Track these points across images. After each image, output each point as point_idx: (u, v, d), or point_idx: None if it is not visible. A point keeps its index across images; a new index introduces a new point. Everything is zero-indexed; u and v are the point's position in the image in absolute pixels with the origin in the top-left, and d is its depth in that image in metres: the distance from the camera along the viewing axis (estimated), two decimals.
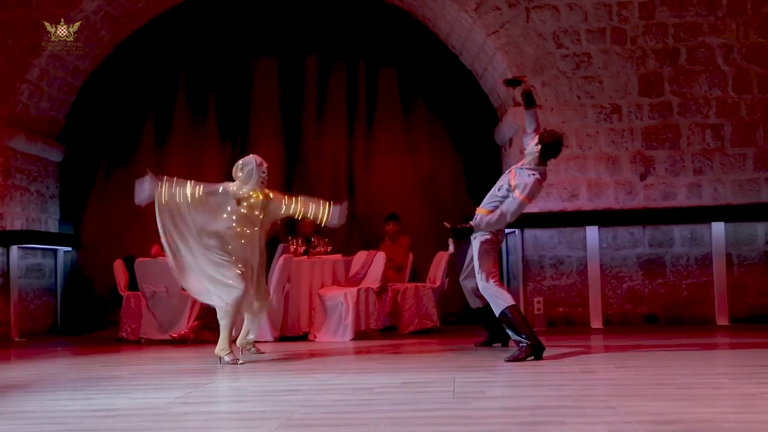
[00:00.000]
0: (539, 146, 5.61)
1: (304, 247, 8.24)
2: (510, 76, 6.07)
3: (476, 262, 5.66)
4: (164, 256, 7.96)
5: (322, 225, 6.10)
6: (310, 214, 5.96)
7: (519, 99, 6.01)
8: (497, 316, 5.54)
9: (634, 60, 8.37)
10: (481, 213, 5.71)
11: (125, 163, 9.83)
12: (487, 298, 5.61)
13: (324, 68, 10.07)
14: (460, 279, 6.25)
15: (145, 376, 5.19)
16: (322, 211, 5.93)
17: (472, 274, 5.88)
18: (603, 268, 8.22)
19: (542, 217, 8.23)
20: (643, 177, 8.31)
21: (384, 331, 7.86)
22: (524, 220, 8.14)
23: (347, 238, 9.80)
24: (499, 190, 5.73)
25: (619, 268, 8.25)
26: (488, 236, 5.66)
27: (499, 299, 5.51)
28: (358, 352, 6.45)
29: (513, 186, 5.59)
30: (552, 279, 8.28)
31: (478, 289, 5.79)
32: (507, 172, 5.81)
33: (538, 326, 8.03)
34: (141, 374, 5.33)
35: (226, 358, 5.60)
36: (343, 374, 4.95)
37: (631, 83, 8.37)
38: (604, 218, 8.21)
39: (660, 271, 8.22)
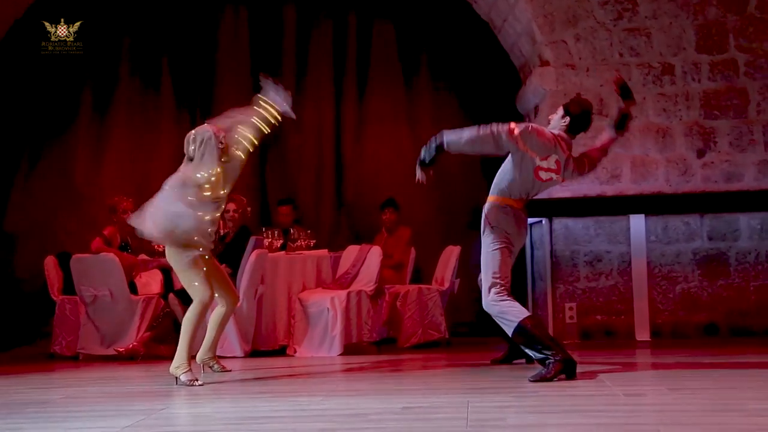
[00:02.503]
0: (567, 118, 5.69)
1: (281, 241, 8.24)
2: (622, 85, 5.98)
3: (482, 266, 5.63)
4: (108, 251, 8.03)
5: (274, 119, 6.17)
6: (257, 127, 6.05)
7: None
8: (511, 336, 5.51)
9: (690, 7, 8.34)
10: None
11: (57, 140, 9.80)
12: (493, 316, 5.56)
13: (305, 21, 10.06)
14: (479, 278, 6.21)
15: (84, 401, 5.17)
16: (267, 113, 6.10)
17: None
18: (651, 267, 8.22)
19: (575, 203, 8.20)
20: (701, 153, 8.30)
21: (380, 345, 7.86)
22: (554, 207, 8.17)
23: (334, 230, 9.83)
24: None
25: (671, 266, 8.24)
26: (498, 231, 5.60)
27: (508, 315, 5.44)
28: (349, 370, 6.44)
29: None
30: (587, 280, 8.27)
31: None
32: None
33: (570, 338, 8.04)
34: (79, 398, 5.32)
35: (183, 378, 5.59)
36: (330, 397, 4.95)
37: (687, 37, 8.34)
38: (652, 205, 8.20)
39: (722, 271, 8.22)
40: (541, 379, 5.24)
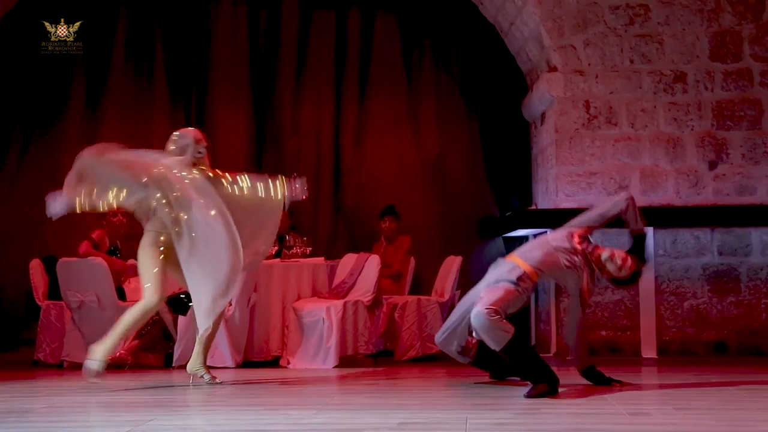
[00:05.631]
0: (614, 277, 5.83)
1: (276, 248, 8.23)
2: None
3: (493, 288, 5.64)
4: (96, 255, 8.03)
5: (285, 207, 6.29)
6: (260, 192, 6.15)
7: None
8: (498, 351, 5.54)
9: (704, 14, 8.37)
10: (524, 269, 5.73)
11: (45, 135, 9.79)
12: (480, 332, 5.56)
13: (305, 16, 10.06)
14: (437, 339, 6.22)
15: (68, 411, 5.17)
16: (275, 188, 6.16)
17: (455, 335, 5.94)
18: (659, 282, 8.23)
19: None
20: (713, 165, 8.32)
21: (377, 357, 7.86)
22: (558, 218, 8.12)
23: (332, 238, 9.82)
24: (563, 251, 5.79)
25: (680, 281, 8.26)
26: (530, 273, 5.71)
27: (499, 330, 5.45)
28: (344, 383, 6.43)
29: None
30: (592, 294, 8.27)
31: (465, 339, 5.90)
32: (567, 235, 5.87)
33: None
34: (63, 408, 5.31)
35: (93, 366, 5.82)
36: (323, 411, 4.95)
37: (700, 44, 8.37)
38: (661, 217, 8.21)
39: (733, 287, 8.23)
40: (535, 394, 5.31)
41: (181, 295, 7.30)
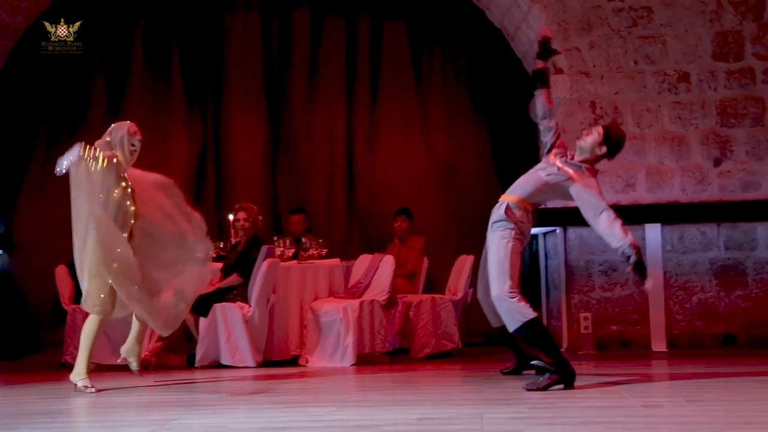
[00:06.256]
0: (604, 148, 5.78)
1: (293, 250, 8.24)
2: (545, 40, 6.15)
3: (494, 263, 5.67)
4: None
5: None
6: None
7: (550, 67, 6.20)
8: (512, 331, 5.59)
9: (706, 14, 8.34)
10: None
11: (67, 141, 9.74)
12: (500, 311, 5.63)
13: (317, 25, 10.08)
14: (478, 294, 6.25)
15: (96, 411, 5.19)
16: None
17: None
18: (667, 277, 8.20)
19: None
20: (717, 162, 8.28)
21: (393, 355, 7.86)
22: (568, 216, 8.15)
23: (346, 239, 9.82)
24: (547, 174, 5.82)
25: (688, 276, 8.22)
26: (514, 231, 5.71)
27: (516, 313, 5.52)
28: (361, 380, 6.44)
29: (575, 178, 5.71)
30: (603, 290, 8.25)
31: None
32: (549, 162, 5.89)
33: (586, 348, 8.03)
34: (90, 408, 5.33)
35: (80, 384, 5.86)
36: (343, 408, 4.95)
37: (703, 44, 8.33)
38: (667, 214, 8.19)
39: (740, 281, 8.19)
40: (535, 388, 5.33)
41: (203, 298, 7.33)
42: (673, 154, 8.31)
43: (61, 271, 8.32)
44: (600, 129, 5.82)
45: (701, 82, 8.34)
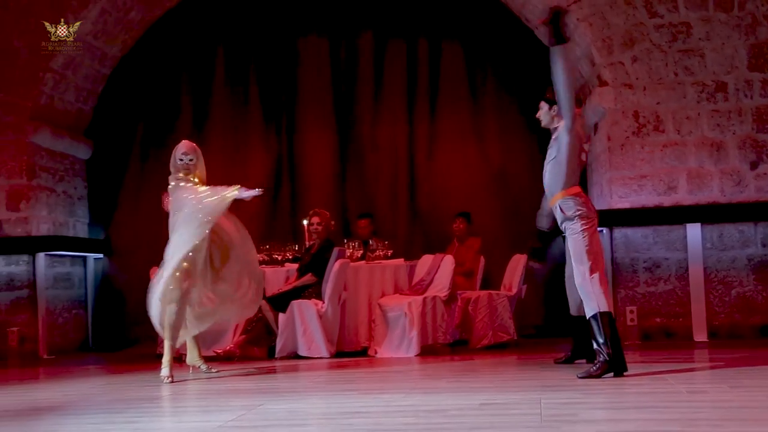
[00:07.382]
0: (555, 107, 5.97)
1: (361, 251, 8.31)
2: (554, 17, 5.89)
3: (574, 257, 5.57)
4: None
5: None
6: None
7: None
8: (587, 316, 5.53)
9: (742, 28, 8.21)
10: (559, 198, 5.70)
11: (159, 158, 10.01)
12: (582, 295, 5.56)
13: (380, 47, 10.17)
14: (566, 283, 6.18)
15: (189, 397, 5.31)
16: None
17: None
18: (707, 272, 8.09)
19: (634, 214, 8.13)
20: (754, 165, 8.15)
21: (453, 346, 7.89)
22: (614, 217, 8.11)
23: (409, 240, 9.86)
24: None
25: (727, 271, 8.10)
26: (579, 221, 5.56)
27: (594, 301, 5.45)
28: (426, 369, 6.49)
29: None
30: (647, 285, 8.18)
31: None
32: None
33: (632, 339, 7.96)
34: (185, 394, 5.45)
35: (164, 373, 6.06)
36: (411, 394, 4.99)
37: (739, 56, 8.21)
38: (707, 214, 8.08)
39: None
40: (588, 376, 5.31)
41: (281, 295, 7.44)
42: (712, 159, 8.20)
43: (154, 272, 8.47)
44: (540, 103, 5.98)
45: (738, 91, 8.21)
